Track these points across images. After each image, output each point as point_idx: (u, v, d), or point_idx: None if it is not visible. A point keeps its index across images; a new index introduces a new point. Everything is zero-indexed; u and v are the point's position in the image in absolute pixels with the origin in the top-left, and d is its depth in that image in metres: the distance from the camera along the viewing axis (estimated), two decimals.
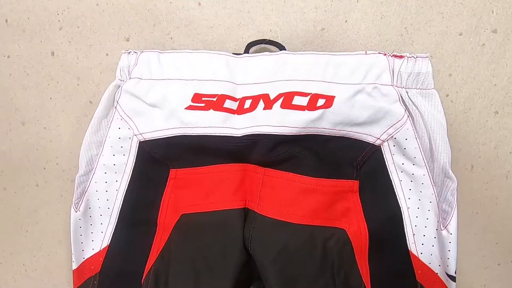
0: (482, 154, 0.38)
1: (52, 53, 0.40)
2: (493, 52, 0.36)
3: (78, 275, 0.40)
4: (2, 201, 0.43)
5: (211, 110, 0.35)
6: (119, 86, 0.36)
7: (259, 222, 0.36)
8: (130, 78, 0.35)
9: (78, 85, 0.40)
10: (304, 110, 0.33)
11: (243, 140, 0.34)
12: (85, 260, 0.40)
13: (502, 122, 0.38)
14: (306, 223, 0.36)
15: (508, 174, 0.38)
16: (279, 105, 0.34)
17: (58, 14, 0.39)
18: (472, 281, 0.40)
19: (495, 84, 0.37)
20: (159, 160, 0.38)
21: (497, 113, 0.37)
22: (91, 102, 0.41)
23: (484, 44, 0.36)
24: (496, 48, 0.36)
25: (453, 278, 0.37)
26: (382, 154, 0.36)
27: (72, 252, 0.39)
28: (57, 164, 0.42)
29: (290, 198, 0.36)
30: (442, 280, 0.37)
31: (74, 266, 0.40)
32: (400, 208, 0.37)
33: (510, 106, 0.37)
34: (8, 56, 0.41)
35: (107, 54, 0.40)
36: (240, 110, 0.35)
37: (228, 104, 0.35)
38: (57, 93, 0.41)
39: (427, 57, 0.33)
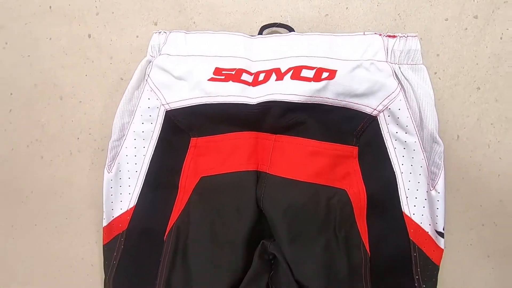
0: (467, 125, 0.43)
1: (89, 36, 0.46)
2: (475, 35, 0.42)
3: (108, 232, 0.45)
4: (39, 168, 0.48)
5: (230, 82, 0.40)
6: (150, 62, 0.41)
7: (270, 182, 0.41)
8: (160, 54, 0.41)
9: (111, 64, 0.46)
10: (311, 81, 0.39)
11: (257, 107, 0.39)
12: (114, 219, 0.45)
13: (483, 97, 0.43)
14: (312, 181, 0.41)
15: (489, 143, 0.43)
16: (289, 76, 0.39)
17: (95, 1, 0.44)
18: (459, 241, 0.45)
19: (477, 63, 0.42)
20: (182, 129, 0.43)
21: (479, 89, 0.43)
22: (122, 79, 0.46)
23: (467, 28, 0.42)
24: (477, 32, 0.42)
25: (441, 234, 0.41)
26: (379, 124, 0.41)
27: (104, 211, 0.44)
28: (89, 134, 0.47)
29: (298, 159, 0.41)
30: (431, 237, 0.42)
31: (105, 223, 0.45)
32: (394, 173, 0.41)
33: (490, 82, 0.42)
34: (50, 39, 0.46)
35: (137, 37, 0.45)
36: (255, 82, 0.40)
37: (245, 77, 0.40)
38: (92, 71, 0.46)
39: (416, 36, 0.39)
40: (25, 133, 0.48)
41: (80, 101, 0.47)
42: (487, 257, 0.45)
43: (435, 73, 0.43)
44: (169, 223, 0.44)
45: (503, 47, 0.41)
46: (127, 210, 0.45)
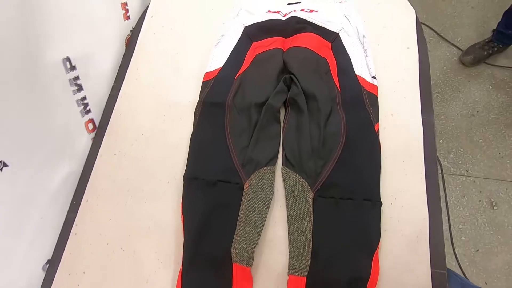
0: (385, 37, 0.93)
1: (212, 9, 1.05)
2: (379, 3, 0.98)
3: (207, 76, 0.92)
4: (175, 54, 0.99)
5: (274, 13, 0.95)
6: (240, 8, 0.98)
7: (290, 49, 0.90)
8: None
9: (219, 22, 1.03)
10: (308, 12, 0.93)
11: (285, 20, 0.93)
12: (210, 71, 0.92)
13: (389, 27, 0.94)
14: (311, 49, 0.89)
15: (395, 38, 0.92)
16: (299, 10, 0.94)
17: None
18: (388, 88, 0.87)
19: (381, 12, 0.96)
20: (248, 37, 0.96)
21: (385, 27, 0.95)
22: (223, 24, 1.02)
23: (379, 3, 0.98)
24: (380, 2, 0.98)
25: (374, 77, 0.86)
26: (340, 38, 0.93)
27: (208, 63, 0.92)
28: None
29: (304, 39, 0.90)
30: (370, 82, 0.86)
31: (207, 70, 0.92)
32: (349, 57, 0.90)
33: (391, 21, 0.95)
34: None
35: (234, 6, 1.04)
36: (285, 15, 0.95)
37: (280, 13, 0.96)
38: (211, 22, 1.03)
39: (348, 0, 0.95)
40: (171, 42, 1.01)
41: (204, 33, 1.02)
42: (403, 98, 0.85)
43: (364, 21, 0.96)
44: (237, 74, 0.91)
45: (394, 8, 0.96)
46: (218, 68, 0.93)
